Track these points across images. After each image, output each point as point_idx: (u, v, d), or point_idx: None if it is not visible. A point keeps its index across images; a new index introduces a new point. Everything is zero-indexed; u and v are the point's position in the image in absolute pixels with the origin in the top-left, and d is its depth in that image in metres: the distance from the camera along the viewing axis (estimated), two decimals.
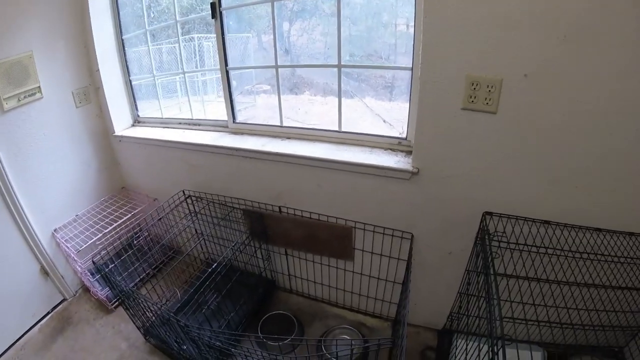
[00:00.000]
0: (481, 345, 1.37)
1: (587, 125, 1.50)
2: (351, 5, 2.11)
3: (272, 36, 2.21)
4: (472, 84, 1.58)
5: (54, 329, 2.59)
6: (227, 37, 2.36)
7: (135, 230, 2.70)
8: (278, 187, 2.38)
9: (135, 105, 3.05)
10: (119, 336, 2.51)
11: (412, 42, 1.85)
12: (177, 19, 2.54)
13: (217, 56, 2.40)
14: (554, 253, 1.70)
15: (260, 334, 2.37)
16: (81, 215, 2.83)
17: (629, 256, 1.63)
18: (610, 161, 1.54)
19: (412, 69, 1.91)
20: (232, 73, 2.46)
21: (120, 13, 2.74)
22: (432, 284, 2.26)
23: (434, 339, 2.38)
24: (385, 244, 2.22)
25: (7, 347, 2.46)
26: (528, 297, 1.55)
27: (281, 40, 2.46)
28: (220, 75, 2.46)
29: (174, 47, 2.78)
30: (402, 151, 2.08)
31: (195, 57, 3.27)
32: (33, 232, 2.51)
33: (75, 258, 2.58)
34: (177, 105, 3.23)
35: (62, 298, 2.83)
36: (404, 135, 2.09)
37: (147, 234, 2.57)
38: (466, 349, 1.65)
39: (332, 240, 2.34)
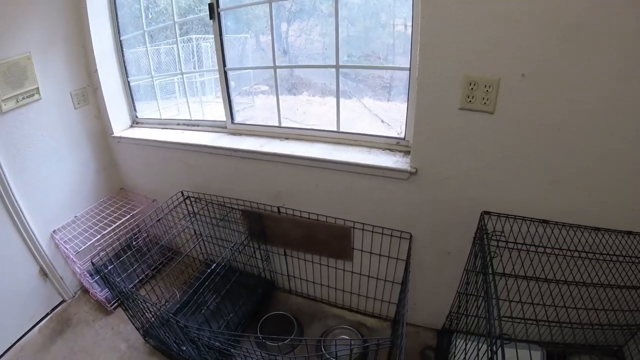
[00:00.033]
0: (480, 344, 1.37)
1: (585, 125, 1.50)
2: (349, 5, 2.11)
3: (270, 37, 2.21)
4: (470, 84, 1.58)
5: (53, 330, 2.59)
6: (225, 37, 2.36)
7: (134, 232, 2.70)
8: (277, 187, 2.38)
9: (134, 106, 3.05)
10: (118, 337, 2.51)
11: (410, 43, 1.85)
12: (175, 19, 2.54)
13: (215, 57, 2.40)
14: (553, 252, 1.70)
15: (259, 335, 2.38)
16: (80, 217, 2.83)
17: (627, 255, 1.63)
18: (609, 161, 1.54)
19: (409, 69, 1.91)
20: (230, 74, 2.46)
21: (119, 14, 2.73)
22: (431, 283, 2.26)
23: (434, 338, 2.38)
24: (384, 244, 2.22)
25: (6, 349, 2.45)
26: (527, 297, 1.55)
27: (279, 41, 2.46)
28: (218, 76, 2.45)
29: (172, 47, 2.78)
30: (400, 151, 2.08)
31: (193, 58, 3.28)
32: (32, 234, 2.51)
33: (74, 259, 2.58)
34: (175, 106, 3.23)
35: (61, 299, 2.83)
36: (402, 136, 2.10)
37: (146, 235, 2.57)
38: (465, 348, 1.66)
39: (331, 240, 2.34)
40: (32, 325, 2.62)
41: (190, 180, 2.70)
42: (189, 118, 2.86)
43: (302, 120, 2.52)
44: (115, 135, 2.91)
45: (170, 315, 1.75)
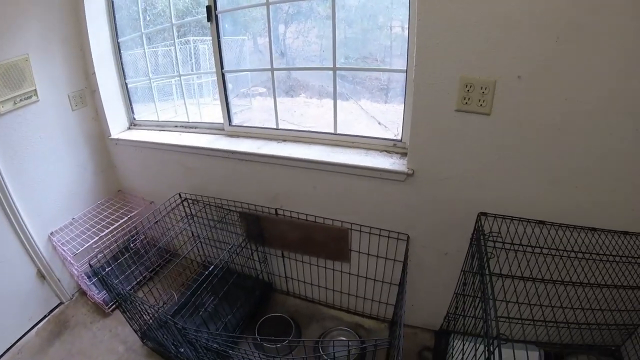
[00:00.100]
0: (477, 345, 1.37)
1: (584, 126, 1.51)
2: (346, 7, 2.12)
3: (267, 39, 2.22)
4: (466, 85, 1.59)
5: (50, 332, 2.59)
6: (223, 39, 2.36)
7: (132, 234, 2.70)
8: (274, 189, 2.38)
9: (131, 108, 3.05)
10: (116, 339, 2.51)
11: (407, 45, 1.86)
12: (173, 22, 2.54)
13: (213, 59, 2.41)
14: (549, 253, 1.71)
15: (257, 336, 2.38)
16: (77, 219, 2.83)
17: (624, 255, 1.64)
18: (606, 161, 1.55)
19: (406, 71, 1.92)
20: (228, 76, 2.47)
21: (116, 16, 2.74)
22: (429, 284, 2.27)
23: (431, 339, 2.38)
24: (381, 245, 2.23)
25: (3, 351, 2.45)
26: (524, 297, 1.55)
27: (277, 43, 2.46)
28: (216, 78, 2.46)
29: (170, 50, 2.78)
30: (397, 153, 2.09)
31: (191, 60, 3.28)
32: (29, 236, 2.50)
33: (72, 261, 2.57)
34: (173, 108, 3.23)
35: (58, 302, 2.82)
36: (399, 137, 2.10)
37: (143, 237, 2.56)
38: (463, 349, 1.66)
39: (328, 242, 2.34)
40: (29, 328, 2.61)
41: (188, 182, 2.70)
42: (186, 120, 2.86)
43: (300, 122, 2.52)
44: (112, 137, 2.92)
45: (168, 317, 1.75)
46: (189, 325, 1.75)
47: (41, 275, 2.64)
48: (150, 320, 2.14)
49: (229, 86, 2.51)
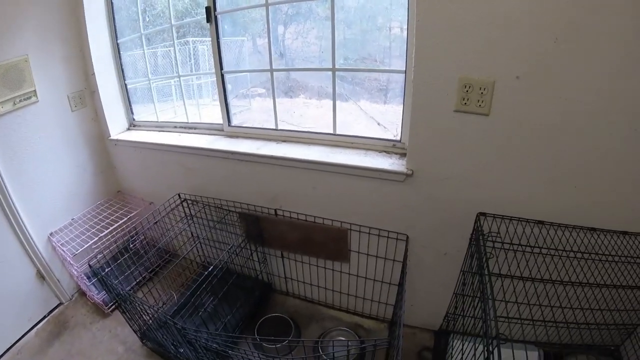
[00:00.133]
0: (477, 345, 1.38)
1: (583, 126, 1.52)
2: (345, 8, 2.12)
3: (267, 40, 2.22)
4: (465, 86, 1.59)
5: (50, 333, 2.59)
6: (222, 40, 2.36)
7: (131, 234, 2.70)
8: (274, 190, 2.38)
9: (131, 109, 3.05)
10: (115, 340, 2.51)
11: (406, 45, 1.86)
12: (172, 22, 2.55)
13: (212, 60, 2.41)
14: (548, 253, 1.71)
15: (257, 336, 2.38)
16: (77, 219, 2.83)
17: (623, 255, 1.64)
18: (605, 161, 1.56)
19: (405, 72, 1.92)
20: (227, 76, 2.47)
21: (116, 17, 2.74)
22: (428, 285, 2.27)
23: (431, 339, 2.38)
24: (380, 245, 2.23)
25: (3, 352, 2.45)
26: (523, 297, 1.56)
27: (276, 44, 2.47)
28: (215, 78, 2.46)
29: (169, 50, 2.78)
30: (396, 153, 2.09)
31: (190, 61, 3.28)
32: (29, 236, 2.50)
33: (71, 262, 2.57)
34: (172, 109, 3.23)
35: (58, 302, 2.82)
36: (398, 138, 2.11)
37: (143, 237, 2.56)
38: (462, 349, 1.66)
39: (327, 242, 2.35)
40: (29, 328, 2.61)
41: (188, 182, 2.70)
42: (186, 121, 2.87)
43: (299, 123, 2.52)
44: (112, 138, 2.92)
45: (168, 317, 1.75)
46: (188, 326, 1.75)
47: (41, 276, 2.64)
48: (150, 321, 2.14)
49: (228, 87, 2.51)
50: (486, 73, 1.55)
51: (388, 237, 2.18)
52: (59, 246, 2.63)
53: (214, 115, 2.72)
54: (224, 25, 2.38)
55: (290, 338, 2.37)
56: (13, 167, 2.37)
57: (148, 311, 1.98)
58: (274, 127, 2.45)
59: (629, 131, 1.46)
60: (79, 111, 2.74)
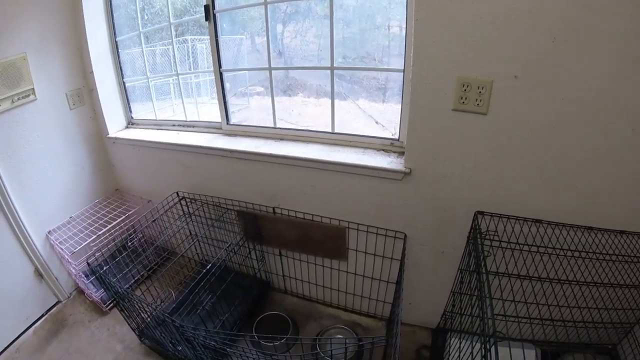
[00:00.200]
0: (474, 343, 1.38)
1: (581, 125, 1.52)
2: (344, 7, 2.12)
3: (265, 38, 2.22)
4: (463, 85, 1.59)
5: (48, 331, 2.59)
6: (221, 39, 2.36)
7: (129, 232, 2.70)
8: (272, 188, 2.39)
9: (129, 107, 3.05)
10: (114, 338, 2.51)
11: (404, 44, 1.86)
12: (171, 21, 2.54)
13: (211, 58, 2.41)
14: (546, 251, 1.72)
15: (255, 334, 2.38)
16: (75, 217, 2.83)
17: (620, 254, 1.64)
18: (604, 160, 1.56)
19: (404, 71, 1.92)
20: (225, 75, 2.47)
21: (114, 15, 2.74)
22: (426, 283, 2.27)
23: (429, 337, 2.39)
24: (378, 244, 2.23)
25: (1, 350, 2.45)
26: (520, 296, 1.56)
27: (275, 42, 2.47)
28: (213, 77, 2.46)
29: (168, 49, 2.78)
30: (394, 152, 2.10)
31: (188, 59, 3.28)
32: (27, 234, 2.50)
33: (70, 260, 2.57)
34: (170, 107, 3.23)
35: (56, 300, 2.82)
36: (396, 137, 2.11)
37: (141, 235, 2.57)
38: (460, 347, 1.67)
39: (326, 240, 2.35)
40: (27, 326, 2.61)
41: (186, 181, 2.70)
42: (184, 119, 2.87)
43: (297, 121, 2.53)
44: (110, 136, 2.92)
45: (166, 315, 1.75)
46: (186, 324, 1.75)
47: (39, 274, 2.64)
48: (148, 319, 2.15)
49: (227, 85, 2.51)
50: (484, 72, 1.55)
51: (386, 235, 2.18)
52: (57, 244, 2.62)
53: (213, 113, 2.72)
54: (223, 24, 2.38)
55: (288, 336, 2.37)
56: (11, 165, 2.37)
57: (146, 309, 1.98)
58: (273, 126, 2.45)
59: (627, 131, 1.47)
60: (77, 109, 2.74)
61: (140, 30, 2.69)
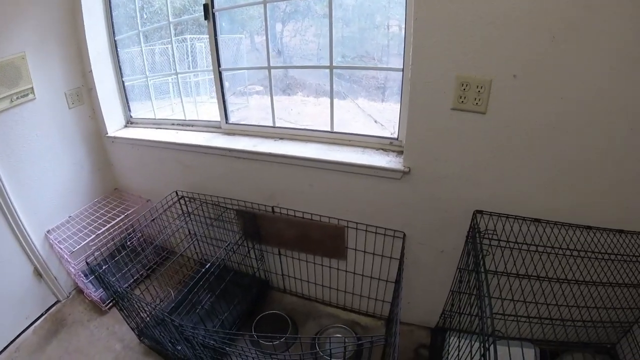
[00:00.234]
0: (473, 342, 1.38)
1: (580, 125, 1.52)
2: (344, 6, 2.12)
3: (264, 37, 2.22)
4: (462, 84, 1.59)
5: (48, 330, 2.59)
6: (220, 38, 2.36)
7: (128, 231, 2.70)
8: (271, 187, 2.39)
9: (128, 106, 3.05)
10: (113, 337, 2.51)
11: (403, 44, 1.86)
12: (170, 20, 2.54)
13: (210, 57, 2.40)
14: (545, 251, 1.72)
15: (254, 333, 2.38)
16: (74, 217, 2.83)
17: (619, 253, 1.65)
18: (602, 160, 1.56)
19: (403, 70, 1.92)
20: (224, 74, 2.47)
21: (113, 14, 2.73)
22: (425, 282, 2.27)
23: (427, 336, 2.39)
24: (377, 243, 2.23)
25: (1, 349, 2.45)
26: (519, 295, 1.56)
27: (274, 41, 2.47)
28: (212, 76, 2.46)
29: (167, 48, 2.78)
30: (393, 151, 2.10)
31: (187, 58, 3.27)
32: (26, 234, 2.50)
33: (69, 259, 2.57)
34: (169, 106, 3.23)
35: (55, 300, 2.82)
36: (395, 136, 2.11)
37: (140, 234, 2.57)
38: (459, 346, 1.67)
39: (325, 239, 2.35)
40: (26, 326, 2.61)
41: (185, 180, 2.70)
42: (183, 118, 2.86)
43: (297, 120, 2.52)
44: (109, 135, 2.91)
45: (165, 314, 1.75)
46: (186, 323, 1.75)
47: (38, 274, 2.64)
48: (148, 318, 2.15)
49: (226, 84, 2.51)
50: (483, 72, 1.55)
51: (385, 234, 2.18)
52: (56, 244, 2.62)
53: (212, 112, 2.71)
54: (222, 23, 2.38)
55: (287, 335, 2.37)
56: (10, 164, 2.36)
57: (145, 308, 1.99)
58: (272, 125, 2.45)
59: (626, 131, 1.47)
60: (76, 108, 2.74)
61: (140, 29, 2.68)
